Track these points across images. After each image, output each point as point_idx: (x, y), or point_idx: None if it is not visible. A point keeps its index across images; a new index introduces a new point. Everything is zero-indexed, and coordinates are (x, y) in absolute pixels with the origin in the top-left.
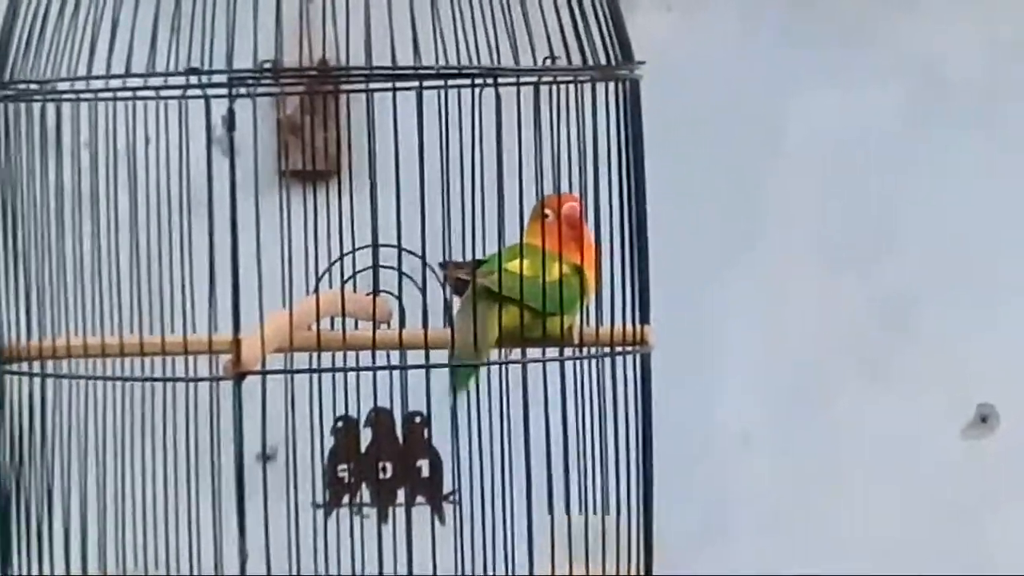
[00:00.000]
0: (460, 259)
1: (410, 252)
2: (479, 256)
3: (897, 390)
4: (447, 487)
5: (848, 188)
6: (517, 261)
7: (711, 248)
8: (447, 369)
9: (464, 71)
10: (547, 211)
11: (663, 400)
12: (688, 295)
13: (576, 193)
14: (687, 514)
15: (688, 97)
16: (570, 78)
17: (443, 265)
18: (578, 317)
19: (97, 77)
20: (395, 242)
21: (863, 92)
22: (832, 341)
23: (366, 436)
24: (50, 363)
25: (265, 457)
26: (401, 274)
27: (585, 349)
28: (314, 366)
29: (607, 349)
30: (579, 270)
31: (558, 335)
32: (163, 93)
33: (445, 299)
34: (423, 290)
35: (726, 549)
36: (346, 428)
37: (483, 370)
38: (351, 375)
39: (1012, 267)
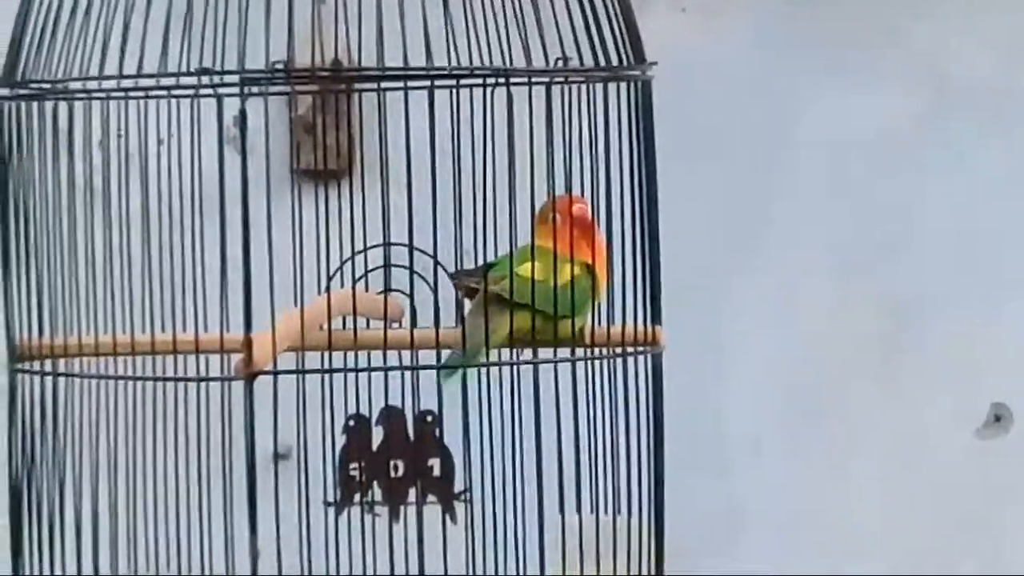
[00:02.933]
0: (471, 259)
1: (421, 251)
2: (490, 256)
3: (910, 391)
4: (458, 486)
5: (860, 190)
6: (528, 264)
7: (722, 249)
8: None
9: (476, 71)
10: (556, 212)
11: (673, 402)
12: (699, 297)
13: (588, 193)
14: (697, 516)
15: (701, 98)
16: (582, 78)
17: (453, 276)
18: (589, 317)
19: (109, 77)
20: (407, 241)
21: (876, 95)
22: (844, 343)
23: (378, 435)
24: (62, 362)
25: (277, 456)
26: (412, 273)
27: (597, 350)
28: (325, 365)
29: (619, 350)
30: (590, 270)
31: (570, 336)
32: (175, 92)
33: (457, 300)
34: (435, 289)
35: (738, 550)
36: (358, 427)
37: (495, 369)
38: (363, 374)
39: (1023, 267)
